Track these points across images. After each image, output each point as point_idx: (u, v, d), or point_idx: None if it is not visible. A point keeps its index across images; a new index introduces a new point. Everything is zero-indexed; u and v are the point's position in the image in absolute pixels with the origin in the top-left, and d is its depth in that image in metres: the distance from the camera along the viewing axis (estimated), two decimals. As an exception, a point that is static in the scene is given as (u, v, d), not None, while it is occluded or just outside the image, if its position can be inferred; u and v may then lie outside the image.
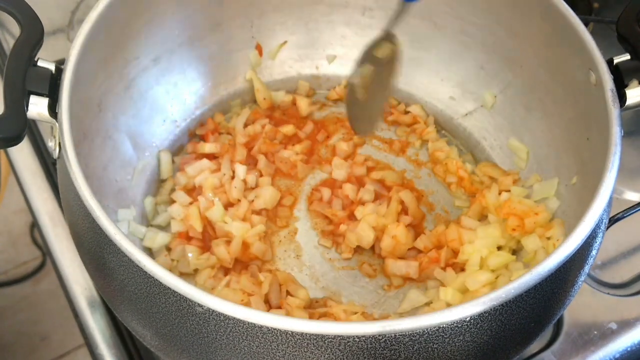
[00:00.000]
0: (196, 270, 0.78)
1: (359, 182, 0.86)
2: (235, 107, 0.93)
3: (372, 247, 0.81)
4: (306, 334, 0.52)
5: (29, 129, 0.61)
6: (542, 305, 0.59)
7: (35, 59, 0.62)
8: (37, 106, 0.61)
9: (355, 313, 0.75)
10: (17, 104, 0.59)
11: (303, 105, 0.92)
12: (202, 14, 0.86)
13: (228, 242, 0.79)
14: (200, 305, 0.52)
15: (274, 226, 0.84)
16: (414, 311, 0.77)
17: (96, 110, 0.75)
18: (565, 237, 0.57)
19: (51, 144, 0.64)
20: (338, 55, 0.96)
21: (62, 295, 0.81)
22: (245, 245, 0.79)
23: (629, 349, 0.78)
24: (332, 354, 0.53)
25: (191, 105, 0.90)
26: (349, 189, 0.85)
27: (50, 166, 0.90)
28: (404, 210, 0.83)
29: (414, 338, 0.53)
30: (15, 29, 0.63)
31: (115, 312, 0.66)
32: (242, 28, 0.91)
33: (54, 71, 0.63)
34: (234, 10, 0.88)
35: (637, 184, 0.90)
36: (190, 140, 0.90)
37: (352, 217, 0.83)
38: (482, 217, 0.83)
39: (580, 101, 0.73)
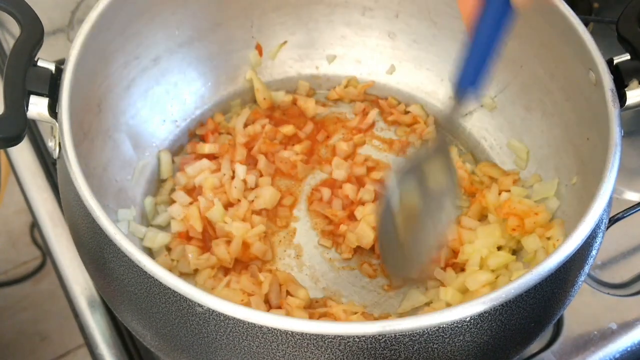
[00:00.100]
0: (196, 270, 0.78)
1: (359, 182, 0.86)
2: (235, 107, 0.93)
3: (372, 247, 0.81)
4: (306, 334, 0.52)
5: (29, 129, 0.61)
6: (542, 305, 0.59)
7: (35, 59, 0.62)
8: (37, 106, 0.61)
9: (355, 313, 0.75)
10: (17, 104, 0.59)
11: (310, 106, 0.92)
12: (202, 14, 0.86)
13: (228, 242, 0.79)
14: (200, 305, 0.52)
15: (274, 226, 0.84)
16: (414, 311, 0.77)
17: (96, 110, 0.75)
18: (565, 237, 0.57)
19: (51, 144, 0.64)
20: (338, 55, 0.96)
21: (62, 295, 0.81)
22: (245, 246, 0.79)
23: (629, 349, 0.78)
24: (332, 354, 0.53)
25: (191, 105, 0.90)
26: (349, 189, 0.85)
27: (50, 166, 0.90)
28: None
29: (414, 338, 0.53)
30: (15, 29, 0.63)
31: (115, 312, 0.66)
32: (242, 28, 0.91)
33: (54, 71, 0.63)
34: (234, 10, 0.89)
35: (637, 184, 0.90)
36: (190, 140, 0.90)
37: (352, 217, 0.83)
38: (482, 217, 0.83)
39: (580, 101, 0.73)
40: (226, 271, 0.79)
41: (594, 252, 0.65)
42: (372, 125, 0.93)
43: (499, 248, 0.78)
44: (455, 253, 0.79)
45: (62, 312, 1.29)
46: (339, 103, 0.96)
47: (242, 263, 0.79)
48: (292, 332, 0.52)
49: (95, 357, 0.76)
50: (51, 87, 0.62)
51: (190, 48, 0.87)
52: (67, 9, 1.06)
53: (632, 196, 0.89)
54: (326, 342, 0.52)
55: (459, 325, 0.54)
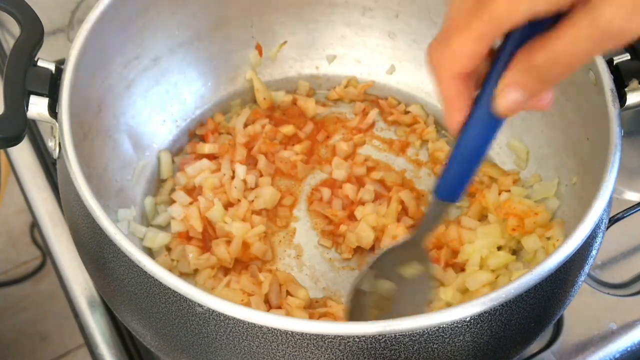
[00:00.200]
0: (196, 270, 0.78)
1: (359, 182, 0.86)
2: (235, 107, 0.93)
3: (372, 247, 0.81)
4: (306, 334, 0.52)
5: (29, 129, 0.61)
6: (542, 305, 0.59)
7: (35, 59, 0.62)
8: (37, 106, 0.61)
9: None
10: (17, 104, 0.59)
11: (310, 106, 0.92)
12: (202, 14, 0.86)
13: (228, 242, 0.79)
14: (200, 305, 0.52)
15: (273, 226, 0.84)
16: (414, 311, 0.77)
17: (96, 110, 0.75)
18: (565, 237, 0.57)
19: (51, 144, 0.64)
20: (338, 55, 0.96)
21: (62, 295, 0.81)
22: (245, 246, 0.79)
23: (629, 349, 0.78)
24: (332, 354, 0.53)
25: (191, 105, 0.90)
26: (349, 189, 0.85)
27: (50, 166, 0.90)
28: (404, 211, 0.83)
29: (414, 338, 0.53)
30: (15, 29, 0.63)
31: (115, 312, 0.66)
32: (242, 28, 0.91)
33: (54, 71, 0.63)
34: (234, 10, 0.89)
35: (637, 184, 0.90)
36: (190, 140, 0.90)
37: (352, 217, 0.83)
38: (482, 217, 0.83)
39: (580, 101, 0.73)
40: (226, 271, 0.79)
41: (594, 252, 0.65)
42: (372, 125, 0.93)
43: (499, 248, 0.78)
44: (455, 253, 0.79)
45: (62, 312, 1.28)
46: (339, 103, 0.96)
47: (242, 263, 0.79)
48: (292, 332, 0.52)
49: (95, 357, 0.76)
50: (51, 87, 0.62)
51: (190, 48, 0.87)
52: (67, 9, 1.06)
53: (632, 196, 0.89)
54: (326, 342, 0.52)
55: (459, 325, 0.54)
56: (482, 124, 0.44)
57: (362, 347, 0.52)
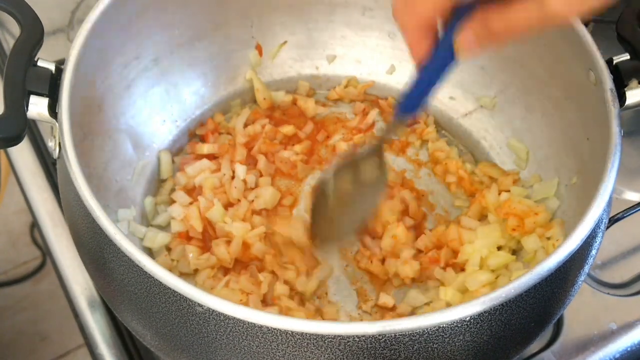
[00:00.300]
0: (196, 270, 0.78)
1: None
2: (235, 107, 0.93)
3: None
4: (306, 334, 0.52)
5: (29, 129, 0.61)
6: (542, 305, 0.59)
7: (35, 59, 0.62)
8: (37, 106, 0.61)
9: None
10: (17, 104, 0.59)
11: (310, 106, 0.92)
12: (202, 14, 0.86)
13: (228, 242, 0.78)
14: (200, 305, 0.52)
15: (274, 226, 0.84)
16: (414, 311, 0.77)
17: (96, 110, 0.75)
18: (565, 237, 0.57)
19: (51, 144, 0.64)
20: (338, 55, 0.95)
21: (62, 295, 0.81)
22: (245, 246, 0.79)
23: (629, 349, 0.78)
24: (332, 354, 0.53)
25: (191, 105, 0.90)
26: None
27: (50, 166, 0.90)
28: (405, 210, 0.83)
29: (414, 338, 0.53)
30: (15, 29, 0.63)
31: (115, 312, 0.66)
32: (242, 28, 0.91)
33: (54, 71, 0.63)
34: (234, 10, 0.88)
35: (637, 184, 0.90)
36: (190, 140, 0.90)
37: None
38: (482, 217, 0.83)
39: (580, 101, 0.73)
40: (226, 271, 0.79)
41: (594, 252, 0.65)
42: (372, 125, 0.93)
43: (499, 248, 0.78)
44: (455, 253, 0.79)
45: (62, 312, 1.28)
46: (339, 103, 0.96)
47: (242, 263, 0.79)
48: (292, 332, 0.52)
49: (95, 357, 0.76)
50: (51, 87, 0.62)
51: (190, 48, 0.87)
52: (67, 9, 1.06)
53: (632, 196, 0.89)
54: (326, 342, 0.52)
55: (459, 325, 0.54)
56: (439, 62, 0.57)
57: (362, 347, 0.52)
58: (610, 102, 0.65)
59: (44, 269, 1.71)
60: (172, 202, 0.83)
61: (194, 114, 0.90)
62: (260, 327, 0.52)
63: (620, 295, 0.82)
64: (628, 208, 0.82)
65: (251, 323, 0.52)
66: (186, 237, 0.80)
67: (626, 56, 0.67)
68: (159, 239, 0.79)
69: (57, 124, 0.62)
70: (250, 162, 0.87)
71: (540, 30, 0.50)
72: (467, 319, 0.54)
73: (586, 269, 0.65)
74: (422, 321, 0.52)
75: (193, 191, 0.84)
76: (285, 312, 0.74)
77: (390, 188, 0.86)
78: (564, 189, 0.78)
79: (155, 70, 0.84)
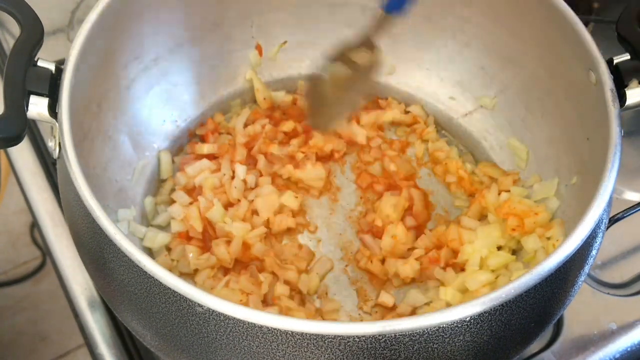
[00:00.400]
0: (196, 270, 0.78)
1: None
2: (235, 107, 0.93)
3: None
4: (306, 334, 0.52)
5: (29, 129, 0.61)
6: (542, 305, 0.59)
7: (35, 59, 0.62)
8: (37, 106, 0.61)
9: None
10: (17, 104, 0.59)
11: None
12: (202, 14, 0.86)
13: (228, 242, 0.78)
14: (200, 305, 0.52)
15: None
16: (414, 311, 0.77)
17: (96, 110, 0.75)
18: (565, 237, 0.57)
19: (51, 144, 0.64)
20: (338, 55, 0.95)
21: (62, 295, 0.81)
22: (245, 246, 0.79)
23: (629, 349, 0.78)
24: (332, 354, 0.53)
25: (191, 105, 0.90)
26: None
27: (50, 166, 0.90)
28: (410, 209, 0.83)
29: (414, 338, 0.53)
30: (15, 29, 0.63)
31: (115, 312, 0.66)
32: (242, 28, 0.91)
33: (54, 71, 0.63)
34: (234, 10, 0.88)
35: (637, 184, 0.90)
36: (190, 140, 0.90)
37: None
38: (482, 217, 0.83)
39: (580, 101, 0.73)
40: (226, 271, 0.79)
41: (594, 252, 0.65)
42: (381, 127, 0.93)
43: (499, 248, 0.78)
44: (455, 253, 0.79)
45: (62, 312, 1.28)
46: (339, 103, 0.96)
47: (242, 263, 0.79)
48: (292, 332, 0.52)
49: (95, 357, 0.76)
50: (51, 87, 0.62)
51: (191, 48, 0.87)
52: (67, 9, 1.06)
53: (632, 196, 0.89)
54: (326, 342, 0.52)
55: (459, 325, 0.54)
56: None
57: (362, 347, 0.52)
58: (610, 102, 0.65)
59: (44, 269, 1.71)
60: (172, 202, 0.83)
61: (194, 114, 0.90)
62: (260, 327, 0.52)
63: (620, 295, 0.82)
64: (628, 208, 0.82)
65: (251, 323, 0.52)
66: (186, 237, 0.80)
67: (626, 56, 0.67)
68: (159, 239, 0.79)
69: (57, 124, 0.62)
70: (250, 162, 0.87)
71: None
72: (467, 319, 0.54)
73: (586, 269, 0.64)
74: (422, 321, 0.52)
75: (193, 191, 0.84)
76: (285, 312, 0.74)
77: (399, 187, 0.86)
78: (564, 189, 0.78)
79: (155, 70, 0.84)
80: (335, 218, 0.85)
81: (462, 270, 0.78)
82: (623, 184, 0.90)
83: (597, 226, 0.62)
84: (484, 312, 0.53)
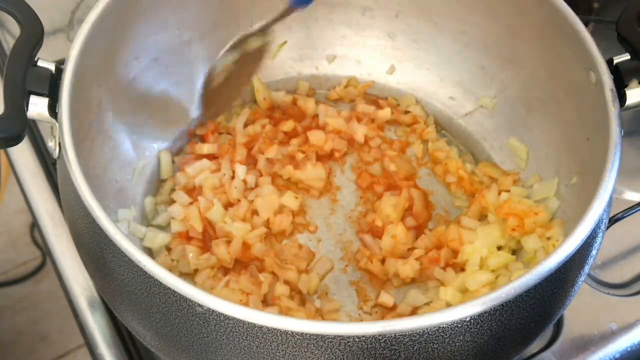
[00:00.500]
0: (196, 271, 0.78)
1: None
2: (235, 107, 0.93)
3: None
4: (306, 334, 0.52)
5: (29, 129, 0.61)
6: (542, 305, 0.59)
7: (35, 59, 0.62)
8: (37, 106, 0.61)
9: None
10: (17, 104, 0.59)
11: (310, 106, 0.92)
12: (202, 14, 0.86)
13: (228, 242, 0.78)
14: (200, 305, 0.52)
15: (274, 226, 0.84)
16: (414, 311, 0.77)
17: (96, 110, 0.75)
18: (565, 237, 0.57)
19: (51, 144, 0.64)
20: (338, 55, 0.96)
21: (62, 295, 0.81)
22: (245, 246, 0.79)
23: (629, 349, 0.78)
24: (332, 354, 0.53)
25: (191, 105, 0.90)
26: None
27: (50, 166, 0.90)
28: (410, 209, 0.83)
29: (414, 338, 0.53)
30: (15, 29, 0.63)
31: (115, 312, 0.66)
32: (242, 28, 0.91)
33: (54, 71, 0.63)
34: (234, 10, 0.88)
35: (637, 184, 0.90)
36: (190, 140, 0.90)
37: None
38: (482, 217, 0.83)
39: (580, 101, 0.73)
40: (226, 271, 0.79)
41: (594, 252, 0.65)
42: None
43: (499, 248, 0.78)
44: (455, 253, 0.79)
45: (62, 312, 1.28)
46: (339, 103, 0.96)
47: (242, 263, 0.79)
48: (292, 332, 0.52)
49: (95, 357, 0.76)
50: (51, 87, 0.62)
51: (190, 48, 0.87)
52: (67, 9, 1.07)
53: (632, 196, 0.89)
54: (326, 342, 0.52)
55: (459, 325, 0.54)
56: None
57: (362, 347, 0.52)
58: (610, 102, 0.65)
59: (44, 269, 1.71)
60: (172, 202, 0.83)
61: (194, 114, 0.90)
62: (260, 327, 0.52)
63: (620, 295, 0.82)
64: (628, 208, 0.82)
65: (251, 323, 0.52)
66: (186, 237, 0.80)
67: (626, 56, 0.67)
68: (159, 239, 0.79)
69: (57, 124, 0.62)
70: (250, 162, 0.87)
71: None
72: (467, 319, 0.54)
73: (586, 269, 0.64)
74: (422, 321, 0.52)
75: (193, 191, 0.84)
76: (285, 312, 0.74)
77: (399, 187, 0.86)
78: (564, 189, 0.78)
79: (155, 70, 0.84)
80: (335, 218, 0.85)
81: (462, 270, 0.78)
82: (623, 184, 0.90)
83: (597, 226, 0.62)
84: (484, 312, 0.53)
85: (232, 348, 0.55)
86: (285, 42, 0.94)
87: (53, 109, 0.62)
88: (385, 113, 0.92)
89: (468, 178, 0.86)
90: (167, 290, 0.54)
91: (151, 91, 0.85)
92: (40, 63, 0.63)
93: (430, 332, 0.53)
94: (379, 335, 0.52)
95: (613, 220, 0.79)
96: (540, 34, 0.77)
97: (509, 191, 0.82)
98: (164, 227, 0.83)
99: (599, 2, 1.08)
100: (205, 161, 0.86)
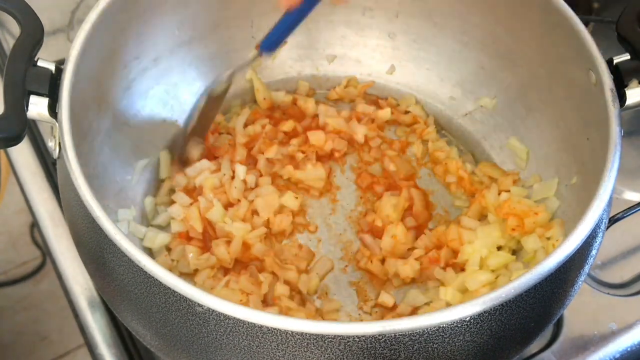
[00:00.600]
0: (196, 271, 0.78)
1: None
2: (235, 107, 0.93)
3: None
4: (306, 334, 0.52)
5: (29, 129, 0.61)
6: (542, 305, 0.59)
7: (35, 59, 0.62)
8: (37, 106, 0.61)
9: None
10: (17, 104, 0.59)
11: (310, 106, 0.92)
12: (202, 14, 0.86)
13: (228, 243, 0.78)
14: (200, 305, 0.52)
15: (274, 226, 0.84)
16: (414, 311, 0.77)
17: (96, 110, 0.75)
18: (565, 237, 0.57)
19: (51, 144, 0.64)
20: (338, 55, 0.96)
21: (62, 295, 0.81)
22: (245, 246, 0.79)
23: (629, 349, 0.78)
24: (332, 354, 0.53)
25: (191, 106, 0.90)
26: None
27: (50, 166, 0.90)
28: (410, 209, 0.83)
29: (414, 338, 0.53)
30: (15, 29, 0.63)
31: (115, 312, 0.66)
32: (242, 28, 0.91)
33: (54, 71, 0.63)
34: (234, 10, 0.88)
35: (637, 184, 0.90)
36: (190, 140, 0.90)
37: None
38: (482, 217, 0.83)
39: (580, 101, 0.73)
40: (226, 271, 0.79)
41: (594, 252, 0.65)
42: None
43: (499, 248, 0.78)
44: (455, 253, 0.79)
45: (62, 312, 1.29)
46: (339, 103, 0.96)
47: (242, 263, 0.79)
48: (292, 332, 0.52)
49: (95, 357, 0.76)
50: (51, 87, 0.62)
51: (190, 48, 0.87)
52: (67, 9, 1.06)
53: (632, 196, 0.89)
54: (326, 342, 0.52)
55: (459, 325, 0.54)
56: (308, 5, 0.65)
57: (362, 347, 0.52)
58: (610, 102, 0.65)
59: (44, 269, 1.70)
60: (172, 202, 0.83)
61: (194, 114, 0.90)
62: (260, 327, 0.52)
63: (620, 295, 0.82)
64: (628, 208, 0.82)
65: (251, 323, 0.52)
66: (186, 237, 0.80)
67: (626, 56, 0.67)
68: (159, 239, 0.79)
69: (57, 124, 0.62)
70: (250, 162, 0.87)
71: None
72: (467, 319, 0.54)
73: (586, 269, 0.65)
74: (422, 321, 0.52)
75: (193, 191, 0.84)
76: (285, 312, 0.74)
77: (399, 187, 0.86)
78: (564, 189, 0.78)
79: (155, 70, 0.84)
80: (335, 218, 0.85)
81: (462, 270, 0.78)
82: (623, 184, 0.90)
83: (597, 226, 0.62)
84: (484, 312, 0.54)
85: (232, 348, 0.55)
86: (285, 42, 0.94)
87: (53, 109, 0.62)
88: (385, 113, 0.92)
89: (468, 178, 0.86)
90: (167, 290, 0.54)
91: (151, 91, 0.85)
92: (40, 63, 0.63)
93: (430, 332, 0.53)
94: (379, 335, 0.52)
95: (613, 220, 0.79)
96: (540, 34, 0.77)
97: (509, 191, 0.82)
98: (164, 227, 0.83)
99: (599, 2, 1.08)
100: (205, 161, 0.86)
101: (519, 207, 0.78)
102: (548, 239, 0.75)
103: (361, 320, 0.76)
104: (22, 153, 0.92)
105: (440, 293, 0.75)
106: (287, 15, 0.68)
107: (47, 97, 0.62)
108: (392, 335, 0.52)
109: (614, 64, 0.67)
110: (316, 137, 0.88)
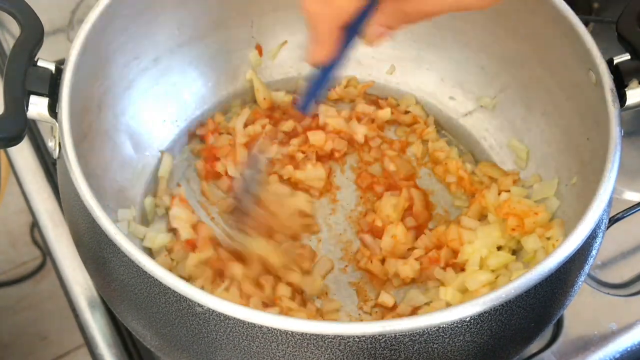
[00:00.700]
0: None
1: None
2: (235, 107, 0.93)
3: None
4: (306, 334, 0.52)
5: (29, 129, 0.61)
6: (542, 305, 0.59)
7: (35, 59, 0.62)
8: (37, 106, 0.61)
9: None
10: (17, 104, 0.59)
11: None
12: (202, 14, 0.86)
13: (241, 259, 0.77)
14: (200, 305, 0.52)
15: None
16: (414, 311, 0.77)
17: (96, 110, 0.75)
18: (565, 237, 0.57)
19: (51, 144, 0.64)
20: (338, 55, 0.95)
21: (62, 295, 0.81)
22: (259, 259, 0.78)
23: (629, 349, 0.78)
24: (332, 354, 0.53)
25: (191, 105, 0.90)
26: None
27: (50, 166, 0.90)
28: (410, 209, 0.83)
29: (414, 338, 0.53)
30: (15, 29, 0.63)
31: (115, 312, 0.66)
32: (242, 28, 0.91)
33: (54, 71, 0.63)
34: (234, 10, 0.88)
35: (637, 184, 0.90)
36: (190, 140, 0.90)
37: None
38: (482, 217, 0.83)
39: (580, 101, 0.73)
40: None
41: (594, 252, 0.65)
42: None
43: (499, 248, 0.78)
44: (455, 253, 0.79)
45: (62, 312, 1.28)
46: (339, 103, 0.96)
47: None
48: (292, 332, 0.52)
49: (95, 357, 0.76)
50: (51, 87, 0.62)
51: (190, 48, 0.87)
52: (67, 9, 1.06)
53: (632, 196, 0.89)
54: (326, 342, 0.52)
55: (459, 325, 0.54)
56: (342, 59, 0.57)
57: (362, 347, 0.52)
58: (610, 102, 0.65)
59: (44, 269, 1.70)
60: (172, 202, 0.83)
61: (194, 114, 0.90)
62: (261, 327, 0.52)
63: (620, 295, 0.82)
64: (628, 208, 0.82)
65: (251, 323, 0.52)
66: (191, 245, 0.80)
67: (626, 56, 0.67)
68: (159, 239, 0.79)
69: (57, 124, 0.62)
70: (250, 162, 0.87)
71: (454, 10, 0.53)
72: (467, 319, 0.54)
73: (586, 269, 0.65)
74: (422, 321, 0.52)
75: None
76: (286, 312, 0.74)
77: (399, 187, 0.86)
78: (564, 189, 0.78)
79: (155, 70, 0.84)
80: (335, 218, 0.85)
81: (462, 270, 0.78)
82: (623, 184, 0.90)
83: (597, 226, 0.62)
84: (484, 312, 0.54)
85: (232, 348, 0.55)
86: (285, 42, 0.94)
87: (53, 109, 0.62)
88: (385, 113, 0.92)
89: (468, 178, 0.86)
90: (167, 290, 0.54)
91: (151, 91, 0.85)
92: (40, 63, 0.63)
93: (430, 332, 0.53)
94: (379, 335, 0.52)
95: (613, 220, 0.79)
96: (540, 34, 0.77)
97: (509, 191, 0.82)
98: (164, 228, 0.82)
99: (599, 2, 1.08)
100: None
101: (519, 207, 0.78)
102: (548, 239, 0.75)
103: (361, 320, 0.76)
104: (22, 153, 0.92)
105: (440, 293, 0.75)
106: (325, 69, 0.60)
107: (47, 97, 0.62)
108: (392, 335, 0.52)
109: (614, 64, 0.67)
110: (316, 137, 0.88)
